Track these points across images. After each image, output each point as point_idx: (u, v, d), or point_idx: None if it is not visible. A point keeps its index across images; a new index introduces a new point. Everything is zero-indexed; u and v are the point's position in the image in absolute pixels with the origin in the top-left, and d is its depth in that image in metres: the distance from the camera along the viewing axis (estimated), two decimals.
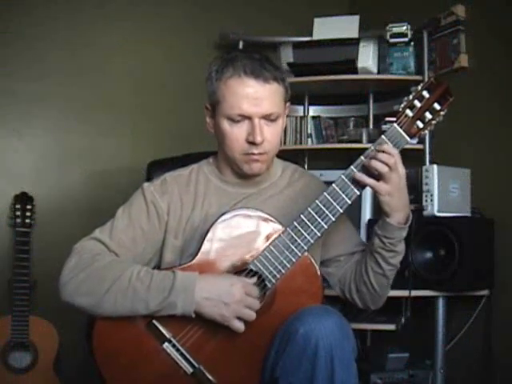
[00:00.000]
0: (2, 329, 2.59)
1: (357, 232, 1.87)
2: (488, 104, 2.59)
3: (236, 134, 1.63)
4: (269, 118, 1.63)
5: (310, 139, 3.13)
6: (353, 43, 2.87)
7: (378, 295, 1.74)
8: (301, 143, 3.13)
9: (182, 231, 1.69)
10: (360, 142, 2.85)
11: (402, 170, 1.58)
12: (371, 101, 3.11)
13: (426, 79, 2.75)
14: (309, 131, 3.14)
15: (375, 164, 1.55)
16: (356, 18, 2.95)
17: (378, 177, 1.57)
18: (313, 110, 3.24)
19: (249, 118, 1.61)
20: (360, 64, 2.84)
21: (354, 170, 1.59)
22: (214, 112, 1.67)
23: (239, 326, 1.53)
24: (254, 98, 1.60)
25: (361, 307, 1.79)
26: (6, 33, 2.84)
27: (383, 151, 1.55)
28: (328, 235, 1.74)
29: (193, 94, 3.09)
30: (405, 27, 2.79)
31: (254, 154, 1.64)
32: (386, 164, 1.54)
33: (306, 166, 3.11)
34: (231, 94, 1.61)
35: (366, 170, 1.58)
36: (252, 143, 1.62)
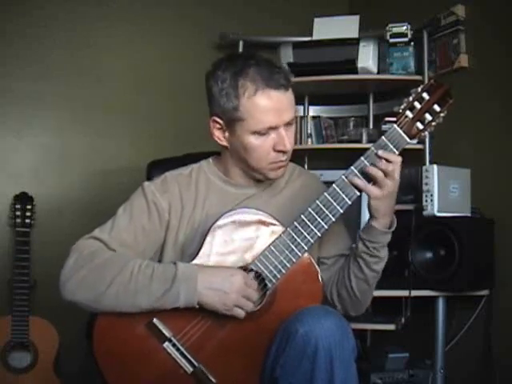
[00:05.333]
0: (2, 329, 2.60)
1: (349, 235, 1.84)
2: (488, 104, 2.59)
3: (264, 146, 1.63)
4: (289, 123, 1.65)
5: (309, 139, 3.13)
6: (353, 43, 2.86)
7: (358, 301, 1.73)
8: (301, 143, 3.13)
9: (183, 231, 1.69)
10: (360, 142, 2.85)
11: (397, 176, 1.59)
12: (371, 101, 3.11)
13: (426, 79, 2.75)
14: (309, 131, 3.14)
15: (372, 170, 1.57)
16: (356, 18, 2.95)
17: (373, 180, 1.58)
18: (313, 110, 3.24)
19: (274, 129, 1.62)
20: (360, 64, 2.84)
21: (355, 170, 1.59)
22: (232, 127, 1.65)
23: (240, 311, 1.54)
24: (278, 108, 1.61)
25: (341, 312, 1.74)
26: (6, 33, 2.85)
27: (386, 159, 1.56)
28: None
29: (193, 94, 3.10)
30: (405, 27, 2.79)
31: (282, 161, 1.66)
32: (383, 170, 1.56)
33: (305, 166, 3.10)
34: (258, 110, 1.60)
35: (365, 173, 1.59)
36: (280, 151, 1.64)
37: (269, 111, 1.60)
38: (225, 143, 1.70)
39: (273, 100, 1.60)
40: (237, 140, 1.66)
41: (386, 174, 1.57)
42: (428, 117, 1.61)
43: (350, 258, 1.71)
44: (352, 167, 1.59)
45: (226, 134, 1.68)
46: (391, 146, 1.59)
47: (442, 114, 1.61)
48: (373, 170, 1.57)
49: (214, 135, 1.70)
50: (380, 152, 1.57)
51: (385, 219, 1.63)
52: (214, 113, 1.67)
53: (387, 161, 1.56)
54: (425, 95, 1.60)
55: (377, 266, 1.68)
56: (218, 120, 1.67)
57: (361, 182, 1.58)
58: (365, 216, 2.72)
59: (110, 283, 1.54)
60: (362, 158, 1.59)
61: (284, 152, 1.65)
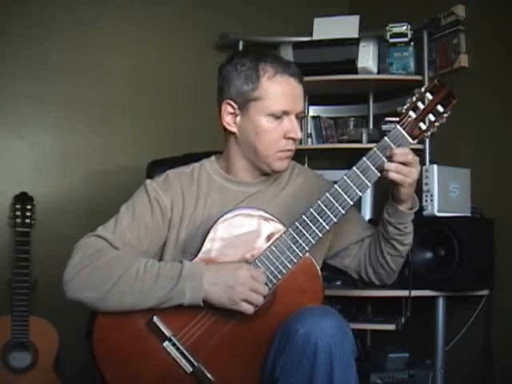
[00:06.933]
0: (2, 329, 2.59)
1: (362, 216, 1.93)
2: (488, 104, 2.59)
3: (275, 131, 1.66)
4: (298, 115, 1.69)
5: (310, 139, 3.13)
6: (353, 43, 2.87)
7: (393, 272, 1.83)
8: (301, 143, 3.12)
9: (185, 228, 1.70)
10: (360, 142, 2.84)
11: (417, 159, 1.62)
12: (371, 101, 3.11)
13: (426, 79, 2.76)
14: (309, 131, 3.14)
15: (391, 166, 1.58)
16: (356, 18, 2.95)
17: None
18: (313, 110, 3.24)
19: (287, 115, 1.66)
20: (360, 64, 2.84)
21: (357, 171, 1.59)
22: (246, 109, 1.67)
23: (248, 307, 1.54)
24: (294, 95, 1.67)
25: (377, 284, 1.87)
26: (6, 33, 2.85)
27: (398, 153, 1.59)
28: (338, 226, 1.74)
29: (193, 93, 3.11)
30: (405, 27, 2.79)
31: (289, 150, 1.69)
32: (403, 162, 1.58)
33: (305, 166, 3.10)
34: (277, 90, 1.64)
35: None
36: (290, 139, 1.67)
37: (285, 94, 1.65)
38: (234, 129, 1.70)
39: (290, 85, 1.66)
40: (249, 123, 1.67)
41: (406, 164, 1.59)
42: (431, 117, 1.61)
43: (381, 241, 1.76)
44: (354, 168, 1.59)
45: (238, 118, 1.69)
46: (394, 147, 1.59)
47: (445, 115, 1.61)
48: (392, 166, 1.58)
49: (224, 120, 1.71)
50: (390, 151, 1.58)
51: (410, 201, 1.69)
52: (228, 97, 1.69)
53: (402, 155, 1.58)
54: (428, 95, 1.60)
55: (408, 240, 1.77)
56: (232, 103, 1.68)
57: (395, 174, 1.59)
58: (365, 216, 2.73)
59: (115, 282, 1.54)
60: (365, 159, 1.60)
61: (294, 140, 1.68)
